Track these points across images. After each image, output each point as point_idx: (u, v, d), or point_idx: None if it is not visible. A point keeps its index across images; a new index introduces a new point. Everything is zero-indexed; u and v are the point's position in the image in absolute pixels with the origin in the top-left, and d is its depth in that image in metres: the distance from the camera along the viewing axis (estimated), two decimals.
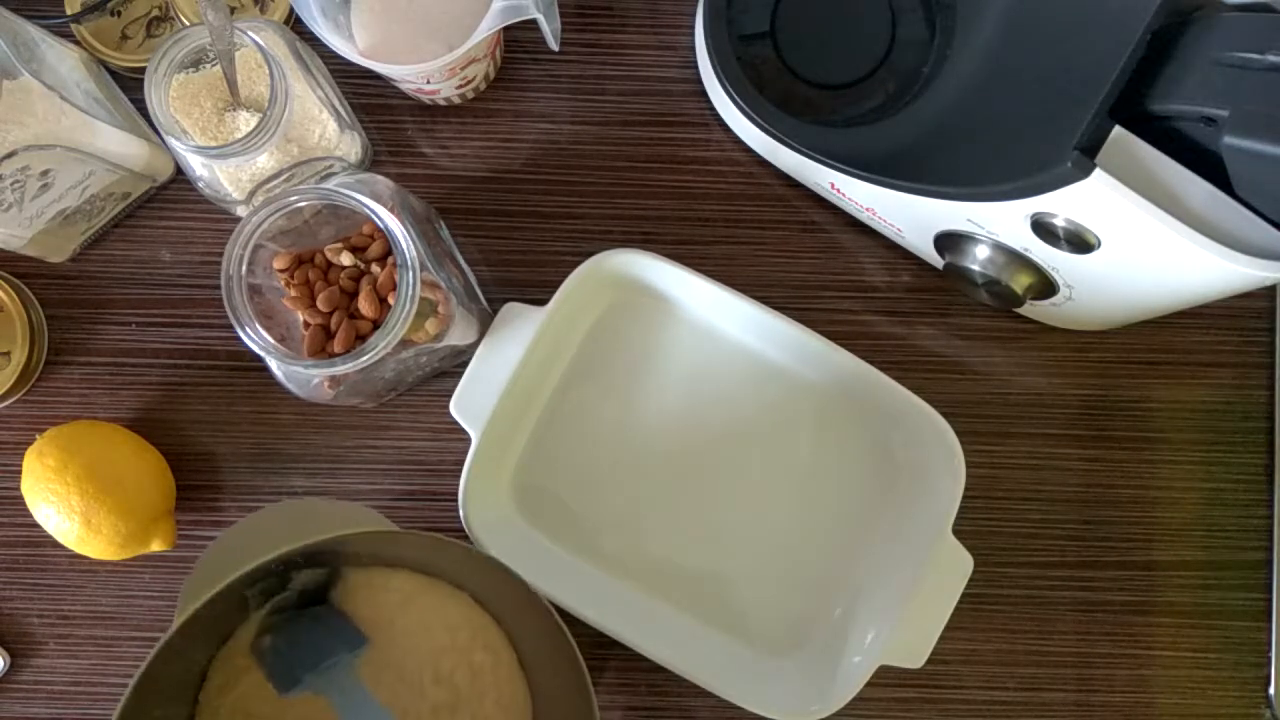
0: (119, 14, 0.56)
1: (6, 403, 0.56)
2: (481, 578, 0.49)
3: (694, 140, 0.58)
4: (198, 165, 0.49)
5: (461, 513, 0.51)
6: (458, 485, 0.51)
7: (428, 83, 0.52)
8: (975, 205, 0.46)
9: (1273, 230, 0.41)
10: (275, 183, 0.50)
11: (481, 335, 0.52)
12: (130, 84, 0.56)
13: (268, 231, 0.45)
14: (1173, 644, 0.57)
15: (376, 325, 0.47)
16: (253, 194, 0.50)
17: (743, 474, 0.56)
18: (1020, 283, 0.50)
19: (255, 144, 0.46)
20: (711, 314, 0.55)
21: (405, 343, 0.47)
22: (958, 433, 0.51)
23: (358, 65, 0.49)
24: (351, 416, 0.57)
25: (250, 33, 0.46)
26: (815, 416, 0.56)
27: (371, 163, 0.57)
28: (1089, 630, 0.57)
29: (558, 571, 0.53)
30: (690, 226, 0.57)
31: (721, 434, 0.55)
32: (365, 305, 0.47)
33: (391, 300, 0.45)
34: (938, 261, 0.54)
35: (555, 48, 0.51)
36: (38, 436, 0.53)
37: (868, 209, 0.54)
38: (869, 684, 0.49)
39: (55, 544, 0.52)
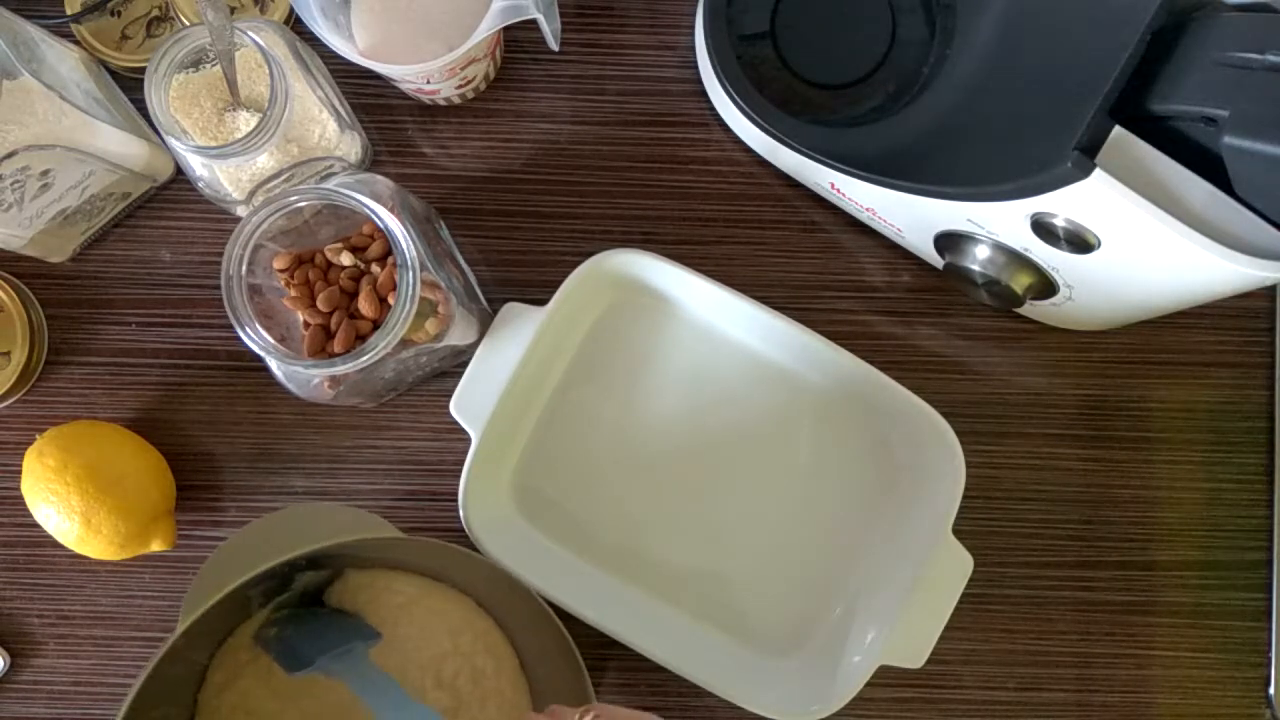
0: (119, 14, 0.56)
1: (6, 403, 0.56)
2: (483, 582, 0.49)
3: (694, 140, 0.58)
4: (198, 165, 0.49)
5: (461, 513, 0.51)
6: (458, 485, 0.51)
7: (428, 83, 0.52)
8: (975, 205, 0.46)
9: (1273, 230, 0.41)
10: (275, 183, 0.50)
11: (481, 335, 0.52)
12: (130, 84, 0.56)
13: (268, 231, 0.45)
14: (1173, 644, 0.57)
15: (376, 325, 0.47)
16: (253, 194, 0.50)
17: (743, 474, 0.56)
18: (1020, 283, 0.50)
19: (255, 144, 0.46)
20: (711, 314, 0.55)
21: (405, 343, 0.47)
22: (958, 433, 0.51)
23: (358, 65, 0.49)
24: (351, 416, 0.57)
25: (250, 33, 0.46)
26: (815, 416, 0.56)
27: (371, 163, 0.57)
28: (1088, 630, 0.57)
29: (558, 571, 0.53)
30: (690, 226, 0.57)
31: (722, 434, 0.55)
32: (365, 305, 0.47)
33: (391, 300, 0.45)
34: (938, 261, 0.54)
35: (555, 48, 0.51)
36: (38, 436, 0.53)
37: (868, 209, 0.54)
38: (869, 684, 0.49)
39: (55, 544, 0.52)
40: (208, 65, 0.50)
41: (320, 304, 0.48)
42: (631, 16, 0.58)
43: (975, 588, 0.51)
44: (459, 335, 0.50)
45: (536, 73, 0.58)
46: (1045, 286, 0.50)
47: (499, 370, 0.51)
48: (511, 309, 0.52)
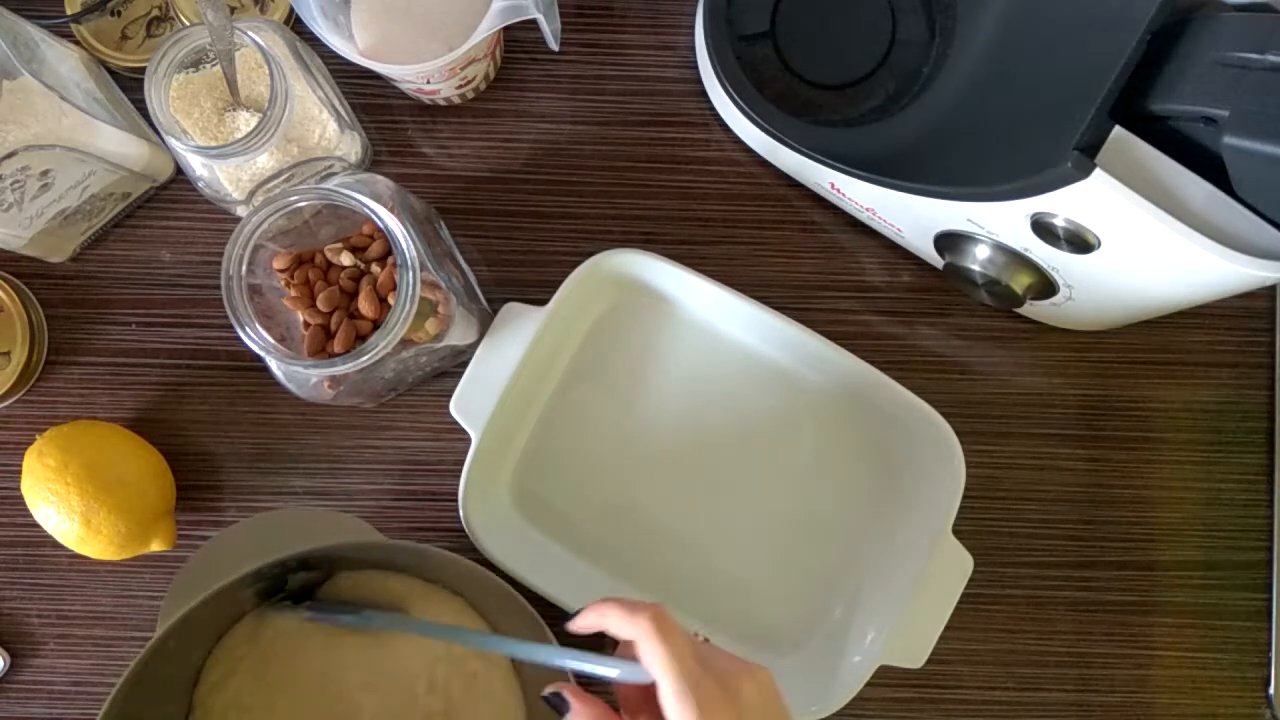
0: (119, 14, 0.56)
1: (6, 403, 0.56)
2: (470, 584, 0.49)
3: (694, 140, 0.58)
4: (198, 165, 0.49)
5: (461, 513, 0.51)
6: (458, 485, 0.51)
7: (428, 83, 0.52)
8: (975, 205, 0.46)
9: (1273, 230, 0.41)
10: (275, 183, 0.50)
11: (481, 335, 0.52)
12: (130, 84, 0.56)
13: (268, 231, 0.45)
14: (1173, 644, 0.57)
15: (376, 325, 0.47)
16: (253, 194, 0.50)
17: (743, 474, 0.56)
18: (1020, 283, 0.50)
19: (255, 144, 0.46)
20: (711, 314, 0.55)
21: (405, 343, 0.47)
22: (958, 433, 0.51)
23: (358, 65, 0.49)
24: (351, 416, 0.57)
25: (250, 33, 0.46)
26: (815, 416, 0.56)
27: (371, 163, 0.57)
28: (1088, 630, 0.57)
29: (557, 571, 0.53)
30: (690, 226, 0.57)
31: (721, 434, 0.55)
32: (365, 305, 0.47)
33: (391, 300, 0.45)
34: (938, 261, 0.54)
35: (555, 48, 0.51)
36: (38, 436, 0.53)
37: (868, 209, 0.54)
38: (869, 684, 0.49)
39: (55, 544, 0.52)
40: (208, 65, 0.50)
41: (320, 304, 0.48)
42: (631, 16, 0.58)
43: (975, 588, 0.51)
44: (459, 335, 0.50)
45: (536, 73, 0.58)
46: (1045, 286, 0.50)
47: (499, 370, 0.51)
48: (511, 309, 0.52)
